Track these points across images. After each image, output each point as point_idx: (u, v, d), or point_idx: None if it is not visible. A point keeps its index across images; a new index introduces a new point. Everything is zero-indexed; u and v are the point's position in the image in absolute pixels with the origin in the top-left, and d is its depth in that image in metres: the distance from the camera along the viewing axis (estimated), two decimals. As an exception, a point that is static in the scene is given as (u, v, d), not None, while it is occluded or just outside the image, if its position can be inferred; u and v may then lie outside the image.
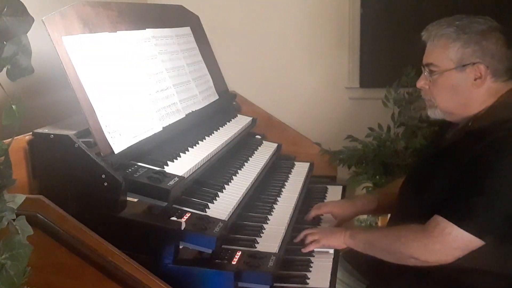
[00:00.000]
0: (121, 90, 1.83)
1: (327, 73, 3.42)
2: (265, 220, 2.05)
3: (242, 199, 2.00)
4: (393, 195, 2.15)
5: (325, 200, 2.56)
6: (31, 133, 1.67)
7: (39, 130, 1.68)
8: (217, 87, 2.68)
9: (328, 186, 2.75)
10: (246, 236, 1.89)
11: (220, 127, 2.46)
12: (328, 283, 1.83)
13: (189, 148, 2.04)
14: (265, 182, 2.40)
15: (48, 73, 1.78)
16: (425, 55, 1.95)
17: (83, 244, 1.48)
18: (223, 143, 2.26)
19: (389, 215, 2.37)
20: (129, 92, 1.88)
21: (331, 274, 1.89)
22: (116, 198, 1.60)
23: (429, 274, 1.84)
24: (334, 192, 2.68)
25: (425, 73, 1.94)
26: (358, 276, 2.20)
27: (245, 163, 2.34)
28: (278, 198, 2.30)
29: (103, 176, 1.59)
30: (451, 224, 1.74)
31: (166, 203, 1.66)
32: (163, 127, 1.99)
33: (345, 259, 2.19)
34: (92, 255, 1.48)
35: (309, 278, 1.83)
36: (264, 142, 2.79)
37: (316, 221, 2.31)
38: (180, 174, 1.76)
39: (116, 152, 1.68)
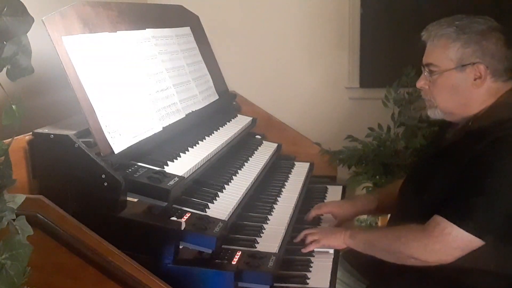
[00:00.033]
0: (121, 90, 1.83)
1: (327, 73, 3.42)
2: (265, 220, 2.05)
3: (242, 199, 2.00)
4: (393, 195, 2.15)
5: (325, 200, 2.56)
6: (31, 133, 1.67)
7: (39, 130, 1.68)
8: (217, 87, 2.68)
9: (328, 186, 2.75)
10: (246, 236, 1.89)
11: (220, 127, 2.46)
12: (328, 283, 1.83)
13: (189, 148, 2.04)
14: (265, 182, 2.40)
15: (48, 73, 1.78)
16: (425, 55, 1.95)
17: (83, 244, 1.48)
18: (223, 143, 2.25)
19: (389, 215, 2.37)
20: (129, 92, 1.88)
21: (331, 274, 1.89)
22: (116, 198, 1.60)
23: (429, 274, 1.84)
24: (334, 192, 2.68)
25: (425, 73, 1.94)
26: (358, 276, 2.20)
27: (245, 163, 2.34)
28: (278, 198, 2.30)
29: (103, 176, 1.59)
30: (451, 224, 1.74)
31: (166, 203, 1.66)
32: (163, 127, 1.99)
33: (345, 259, 2.19)
34: (92, 255, 1.48)
35: (309, 278, 1.83)
36: (264, 142, 2.78)
37: (316, 221, 2.31)
38: (180, 174, 1.76)
39: (116, 152, 1.68)
